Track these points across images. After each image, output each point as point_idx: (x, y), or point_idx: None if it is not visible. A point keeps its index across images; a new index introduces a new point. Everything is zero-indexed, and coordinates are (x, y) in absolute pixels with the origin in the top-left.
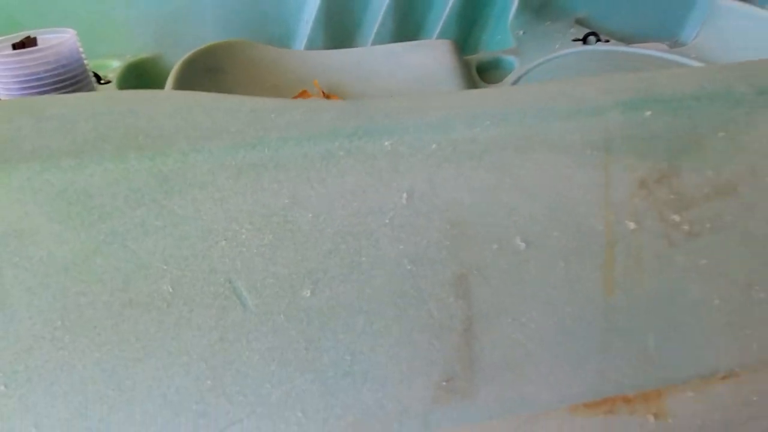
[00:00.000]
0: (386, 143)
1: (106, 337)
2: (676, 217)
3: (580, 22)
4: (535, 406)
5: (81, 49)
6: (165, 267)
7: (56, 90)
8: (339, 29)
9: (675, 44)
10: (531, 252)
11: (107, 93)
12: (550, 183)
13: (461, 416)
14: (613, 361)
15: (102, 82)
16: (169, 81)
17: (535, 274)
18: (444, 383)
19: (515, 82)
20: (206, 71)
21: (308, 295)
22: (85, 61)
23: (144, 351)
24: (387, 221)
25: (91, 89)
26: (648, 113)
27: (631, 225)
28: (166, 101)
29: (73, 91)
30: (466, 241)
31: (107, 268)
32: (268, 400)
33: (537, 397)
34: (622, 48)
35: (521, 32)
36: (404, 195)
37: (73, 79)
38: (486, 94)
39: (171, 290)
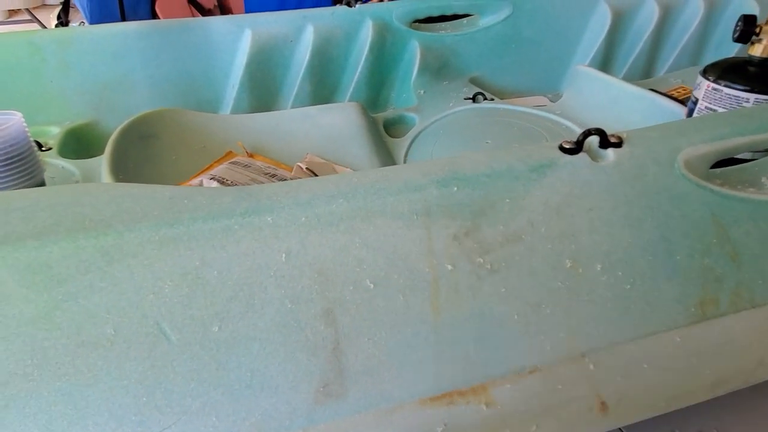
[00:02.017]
0: (269, 218)
1: (64, 369)
2: (481, 260)
3: (473, 81)
4: (391, 401)
5: (26, 129)
6: (108, 316)
7: (6, 164)
8: (262, 92)
9: (556, 96)
10: (378, 290)
11: (58, 188)
12: (388, 240)
13: (337, 413)
14: (446, 364)
15: (43, 149)
16: (108, 149)
17: (382, 305)
18: (321, 389)
19: (416, 136)
20: (140, 138)
21: (216, 330)
22: (30, 136)
23: (94, 378)
24: (272, 274)
25: (35, 161)
26: (455, 188)
27: (449, 267)
28: (105, 193)
29: (21, 163)
30: (330, 285)
31: (64, 319)
32: (189, 410)
33: (392, 394)
34: (501, 105)
35: (422, 92)
36: (283, 255)
37: (21, 155)
38: (339, 178)
39: (113, 332)
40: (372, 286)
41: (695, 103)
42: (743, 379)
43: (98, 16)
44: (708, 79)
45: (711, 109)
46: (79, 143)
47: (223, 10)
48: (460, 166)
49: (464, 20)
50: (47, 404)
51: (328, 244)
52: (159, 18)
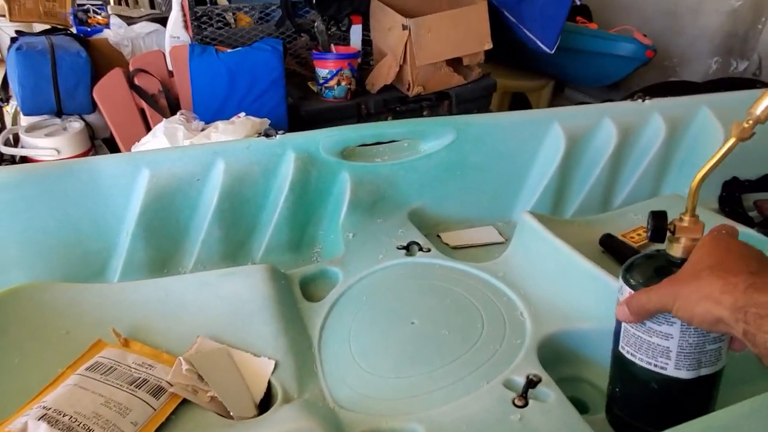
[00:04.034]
0: None
1: None
2: None
3: (413, 214)
4: None
5: None
6: None
7: None
8: (162, 240)
9: (508, 224)
10: None
11: None
12: None
13: None
14: None
15: None
16: None
17: None
18: None
19: (336, 300)
20: None
21: None
22: None
23: None
24: None
25: None
26: None
27: None
28: None
29: None
30: None
31: None
32: None
33: None
34: (437, 261)
35: (350, 235)
36: None
37: None
38: None
39: None
40: None
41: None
42: None
43: (31, 103)
44: (630, 285)
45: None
46: None
47: (169, 96)
48: None
49: (404, 143)
50: None
51: None
52: (98, 105)
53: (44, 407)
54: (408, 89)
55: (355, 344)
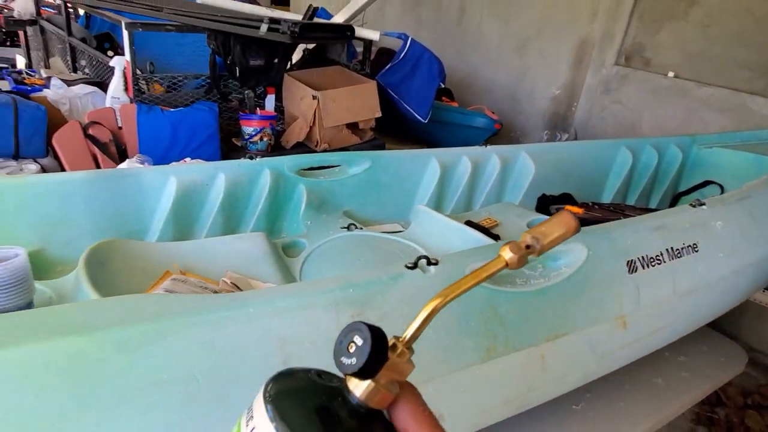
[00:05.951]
0: (251, 310)
1: (133, 397)
2: None
3: (346, 214)
4: None
5: (27, 260)
6: (160, 367)
7: (12, 287)
8: (183, 223)
9: (406, 223)
10: (313, 347)
11: (118, 301)
12: (317, 320)
13: None
14: None
15: None
16: (80, 271)
17: (316, 356)
18: None
19: (307, 257)
20: (99, 263)
21: (225, 373)
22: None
23: (160, 402)
24: (255, 339)
25: (30, 285)
26: (351, 290)
27: None
28: (151, 302)
29: (22, 287)
30: (286, 345)
31: (137, 366)
32: (210, 422)
33: None
34: (368, 233)
35: (308, 222)
36: (261, 329)
37: (22, 280)
38: (289, 287)
39: (166, 377)
40: (309, 345)
41: None
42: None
43: None
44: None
45: None
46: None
47: (118, 145)
48: (352, 278)
49: (336, 169)
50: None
51: (285, 324)
52: (56, 149)
53: (164, 288)
54: (316, 145)
55: (325, 274)
